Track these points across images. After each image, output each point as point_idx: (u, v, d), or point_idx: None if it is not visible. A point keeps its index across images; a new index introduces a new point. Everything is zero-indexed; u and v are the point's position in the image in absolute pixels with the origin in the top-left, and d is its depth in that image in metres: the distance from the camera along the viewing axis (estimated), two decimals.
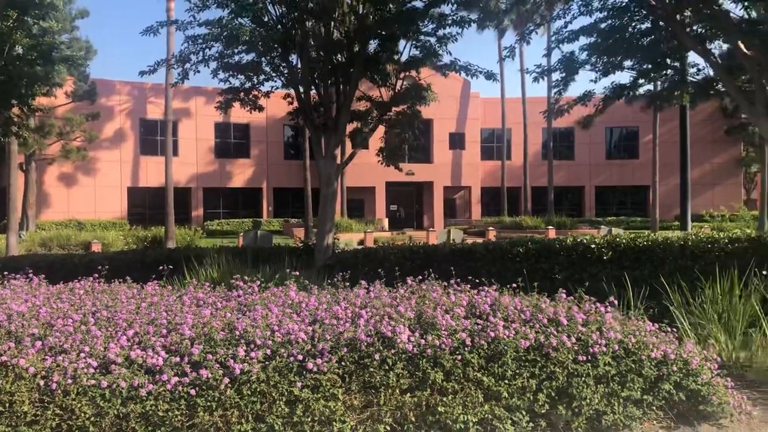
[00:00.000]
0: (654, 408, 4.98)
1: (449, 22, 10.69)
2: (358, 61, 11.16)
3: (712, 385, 5.07)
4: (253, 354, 4.38)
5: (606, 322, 5.09)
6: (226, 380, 4.20)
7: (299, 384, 4.32)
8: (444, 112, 41.90)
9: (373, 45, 11.55)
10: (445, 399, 4.54)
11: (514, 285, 5.91)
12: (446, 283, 5.85)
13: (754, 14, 8.41)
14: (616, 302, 5.61)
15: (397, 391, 4.52)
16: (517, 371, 4.70)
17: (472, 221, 42.17)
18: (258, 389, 4.29)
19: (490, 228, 34.24)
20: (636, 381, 4.90)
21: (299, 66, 11.74)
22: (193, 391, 4.14)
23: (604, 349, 4.83)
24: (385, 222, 41.00)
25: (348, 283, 6.25)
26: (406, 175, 37.92)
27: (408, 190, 44.01)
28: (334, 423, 4.33)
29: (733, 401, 5.13)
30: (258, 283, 6.20)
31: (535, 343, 4.77)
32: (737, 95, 8.29)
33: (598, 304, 5.34)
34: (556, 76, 10.19)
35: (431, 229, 37.04)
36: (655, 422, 4.97)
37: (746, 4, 8.29)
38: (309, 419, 4.31)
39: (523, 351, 4.74)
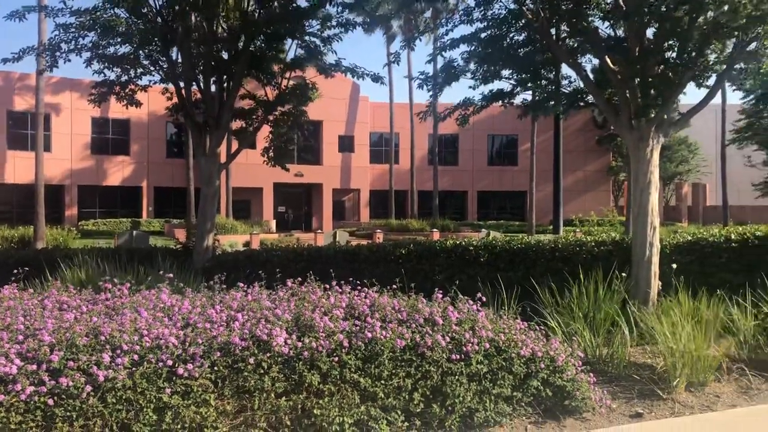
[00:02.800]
0: (523, 404, 5.18)
1: (334, 23, 10.71)
2: (242, 58, 10.92)
3: (576, 381, 5.35)
4: (119, 360, 4.16)
5: (479, 321, 5.25)
6: (89, 388, 3.96)
7: (169, 390, 4.14)
8: (334, 114, 41.98)
9: (258, 43, 11.33)
10: (321, 401, 4.51)
11: (394, 286, 5.98)
12: (328, 285, 5.82)
13: (620, 32, 8.95)
14: (485, 299, 5.79)
15: (273, 395, 4.44)
16: (394, 371, 4.75)
17: (360, 223, 42.45)
18: (124, 397, 4.08)
19: (378, 230, 34.57)
20: (506, 378, 5.08)
21: (180, 61, 11.32)
22: (51, 401, 3.86)
23: (477, 347, 4.97)
24: (273, 224, 40.45)
25: (225, 286, 6.09)
26: (295, 177, 37.63)
27: (297, 191, 43.69)
28: (206, 429, 4.20)
29: (595, 396, 5.43)
30: (128, 285, 5.91)
31: (411, 343, 4.84)
32: (604, 107, 8.80)
33: (471, 303, 5.50)
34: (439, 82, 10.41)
35: (319, 231, 36.90)
36: (524, 418, 5.17)
37: (612, 22, 8.83)
38: (179, 426, 4.15)
39: (399, 351, 4.79)
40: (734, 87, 26.07)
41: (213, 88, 11.50)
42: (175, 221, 38.45)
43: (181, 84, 11.27)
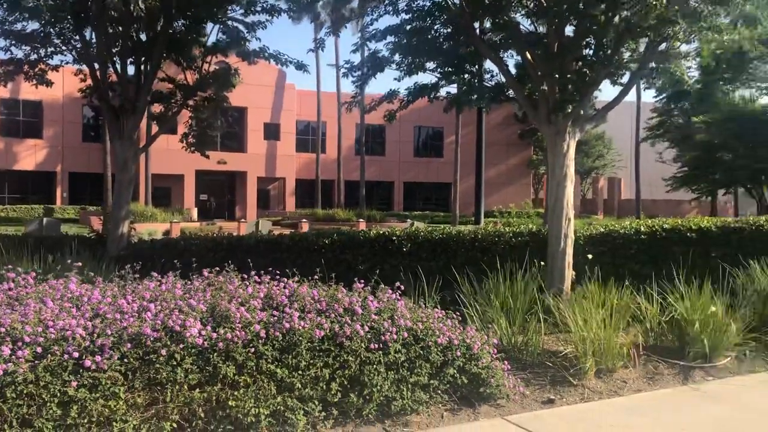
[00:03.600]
0: (440, 392, 5.26)
1: (259, 9, 10.49)
2: (161, 40, 10.54)
3: (491, 369, 5.47)
4: (20, 353, 3.95)
5: (398, 311, 5.28)
6: None
7: (75, 383, 3.97)
8: (259, 101, 41.31)
9: (178, 25, 10.97)
10: (236, 393, 4.43)
11: (316, 276, 5.94)
12: (246, 275, 5.72)
13: (541, 29, 9.15)
14: (403, 288, 5.83)
15: (186, 387, 4.33)
16: (311, 361, 4.72)
17: (286, 213, 42.03)
18: (25, 391, 3.88)
19: (304, 220, 34.32)
20: (424, 366, 5.14)
21: (94, 41, 10.83)
22: None
23: (395, 336, 5.00)
24: (194, 212, 39.52)
25: (139, 275, 5.89)
26: (218, 164, 36.93)
27: (220, 179, 42.82)
28: (115, 423, 4.05)
29: (509, 383, 5.57)
30: (34, 274, 5.63)
31: (329, 333, 4.82)
32: (523, 102, 9.00)
33: (391, 292, 5.53)
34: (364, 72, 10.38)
35: (243, 220, 36.32)
36: (440, 405, 5.25)
37: (533, 18, 9.03)
38: (85, 421, 3.99)
39: (317, 341, 4.76)
40: (646, 86, 27.23)
41: (130, 70, 11.07)
42: (91, 208, 36.98)
43: (96, 65, 10.78)
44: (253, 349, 4.55)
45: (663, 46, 8.28)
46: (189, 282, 5.57)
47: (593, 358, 6.21)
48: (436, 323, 5.35)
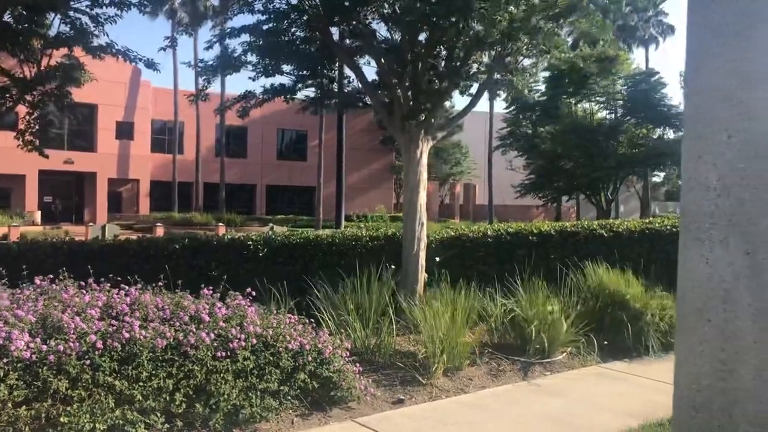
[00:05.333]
0: (290, 397, 5.21)
1: (107, 1, 9.90)
2: None
3: (342, 372, 5.51)
4: None
5: (248, 317, 5.18)
6: None
7: None
8: (111, 98, 39.02)
9: (15, 14, 10.12)
10: (69, 408, 4.15)
11: (163, 283, 5.70)
12: (84, 283, 5.38)
13: (396, 36, 9.35)
14: (254, 294, 5.74)
15: (10, 404, 3.99)
16: (154, 372, 4.51)
17: (139, 216, 40.01)
18: None
19: (159, 224, 32.83)
20: (274, 373, 5.08)
21: None
22: None
23: (244, 343, 4.91)
24: (38, 215, 36.60)
25: None
26: (65, 164, 34.44)
27: (67, 180, 39.96)
28: None
29: (360, 385, 5.64)
30: None
31: (173, 342, 4.64)
32: (379, 108, 9.17)
33: (240, 298, 5.42)
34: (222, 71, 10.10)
35: (91, 224, 34.12)
36: (290, 411, 5.21)
37: (389, 26, 9.22)
38: None
39: (160, 351, 4.56)
40: (491, 97, 28.63)
41: None
42: None
43: None
44: (88, 361, 4.28)
45: (508, 59, 8.76)
46: (19, 291, 5.16)
47: (442, 358, 6.43)
48: (287, 329, 5.31)
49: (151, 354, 4.51)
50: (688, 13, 2.31)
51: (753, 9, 2.11)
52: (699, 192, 2.22)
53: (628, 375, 6.91)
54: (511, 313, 7.55)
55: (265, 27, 8.94)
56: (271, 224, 26.64)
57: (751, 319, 2.12)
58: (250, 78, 9.62)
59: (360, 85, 9.67)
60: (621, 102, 29.14)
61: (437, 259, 8.84)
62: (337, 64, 10.09)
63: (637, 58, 46.93)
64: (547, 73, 28.10)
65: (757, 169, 2.14)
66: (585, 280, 8.57)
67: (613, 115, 30.26)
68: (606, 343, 7.61)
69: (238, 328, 4.98)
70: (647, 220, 11.14)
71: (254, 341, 4.98)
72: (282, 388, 5.12)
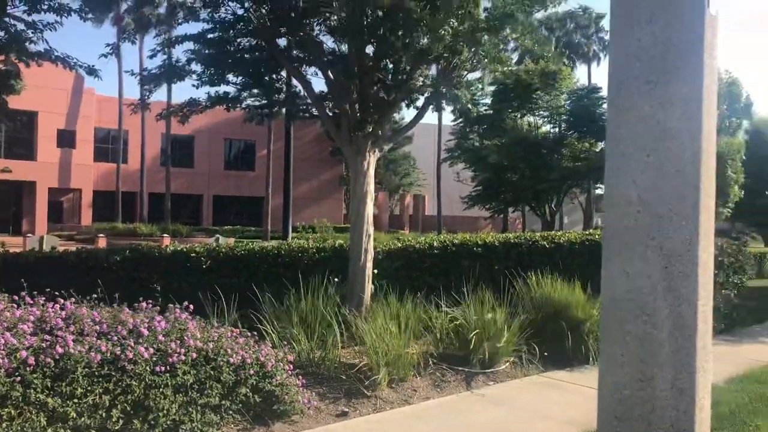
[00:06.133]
0: (232, 412, 5.14)
1: (45, 7, 9.64)
2: None
3: (285, 385, 5.46)
4: None
5: (188, 331, 5.10)
6: None
7: None
8: (52, 105, 37.92)
9: None
10: None
11: (99, 296, 5.57)
12: (17, 296, 5.21)
13: (344, 48, 9.39)
14: (192, 307, 5.65)
15: None
16: (90, 388, 4.39)
17: (81, 227, 38.85)
18: None
19: (101, 235, 31.96)
20: (215, 387, 5.00)
21: None
22: None
23: (184, 357, 4.82)
24: None
25: None
26: (2, 173, 33.23)
27: (4, 189, 38.53)
28: None
29: (303, 398, 5.60)
30: None
31: (110, 357, 4.53)
32: (325, 119, 9.18)
33: (178, 312, 5.33)
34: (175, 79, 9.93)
35: (29, 234, 32.96)
36: (232, 425, 5.14)
37: (336, 38, 9.26)
38: None
39: (96, 366, 4.44)
40: (437, 110, 28.92)
41: None
42: None
43: None
44: (19, 378, 4.14)
45: (453, 73, 8.90)
46: None
47: (386, 369, 6.45)
48: (229, 342, 5.25)
49: (86, 369, 4.39)
50: (610, 36, 2.42)
51: (668, 36, 2.22)
52: (620, 208, 2.32)
53: (569, 384, 7.06)
54: (455, 324, 7.63)
55: (210, 36, 8.87)
56: (217, 235, 26.29)
57: (668, 330, 2.22)
58: (193, 85, 9.53)
59: (307, 96, 9.66)
60: (564, 116, 29.88)
61: (376, 271, 8.87)
62: (284, 75, 10.08)
63: (580, 74, 48.23)
64: (493, 87, 28.62)
65: (674, 186, 2.24)
66: (528, 291, 8.74)
67: (557, 129, 31.00)
68: (546, 354, 7.77)
69: (178, 342, 4.90)
70: (588, 232, 11.44)
71: (194, 355, 4.90)
72: (223, 402, 5.05)
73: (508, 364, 7.50)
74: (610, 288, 2.37)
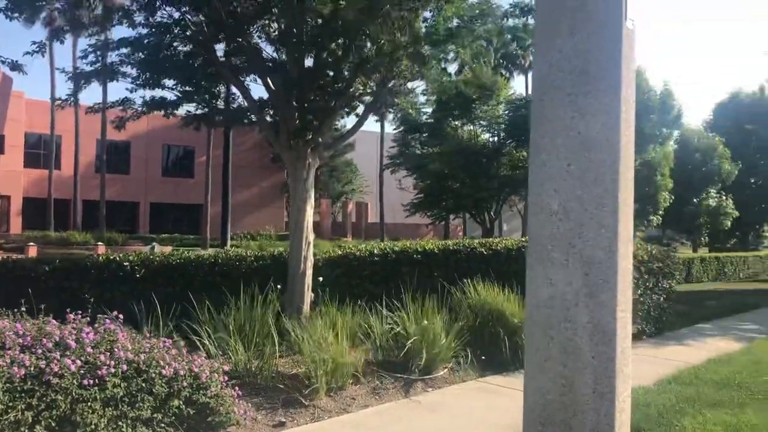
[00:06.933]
0: (164, 425, 5.01)
1: None
2: None
3: (220, 397, 5.36)
4: None
5: (119, 342, 4.95)
6: None
7: None
8: None
9: None
10: None
11: (24, 308, 5.35)
12: None
13: (283, 56, 9.33)
14: (121, 317, 5.50)
15: None
16: (11, 404, 4.21)
17: (10, 235, 37.27)
18: None
19: (31, 243, 30.74)
20: (146, 400, 4.87)
21: None
22: None
23: (113, 370, 4.67)
24: None
25: None
26: None
27: None
28: None
29: (240, 409, 5.51)
30: None
31: (33, 371, 4.35)
32: (264, 126, 9.12)
33: (108, 322, 5.17)
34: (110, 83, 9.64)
35: None
36: None
37: (276, 45, 9.20)
38: None
39: (18, 380, 4.26)
40: (379, 118, 29.11)
41: None
42: None
43: None
44: None
45: (392, 83, 8.96)
46: None
47: (325, 378, 6.40)
48: (161, 353, 5.12)
49: (8, 385, 4.20)
50: (534, 47, 2.48)
51: (587, 47, 2.30)
52: (543, 216, 2.38)
53: (505, 388, 7.17)
54: (395, 331, 7.65)
55: (146, 40, 8.68)
56: (153, 243, 25.69)
57: (588, 336, 2.28)
58: (127, 89, 9.30)
59: (246, 103, 9.56)
60: (503, 126, 30.47)
61: (320, 279, 8.83)
62: (223, 81, 9.93)
63: (518, 84, 49.31)
64: (434, 97, 28.98)
65: (594, 195, 2.32)
66: (466, 297, 8.84)
67: (496, 138, 31.57)
68: (484, 358, 7.88)
69: (108, 354, 4.75)
70: (524, 239, 11.67)
71: (125, 367, 4.75)
72: (155, 415, 4.92)
73: (446, 370, 7.57)
74: (533, 295, 2.43)
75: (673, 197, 29.28)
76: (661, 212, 29.25)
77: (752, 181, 40.69)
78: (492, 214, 30.80)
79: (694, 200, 36.01)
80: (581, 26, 2.31)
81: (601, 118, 2.30)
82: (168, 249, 22.04)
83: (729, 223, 36.82)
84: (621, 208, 2.29)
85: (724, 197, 36.63)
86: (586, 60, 2.31)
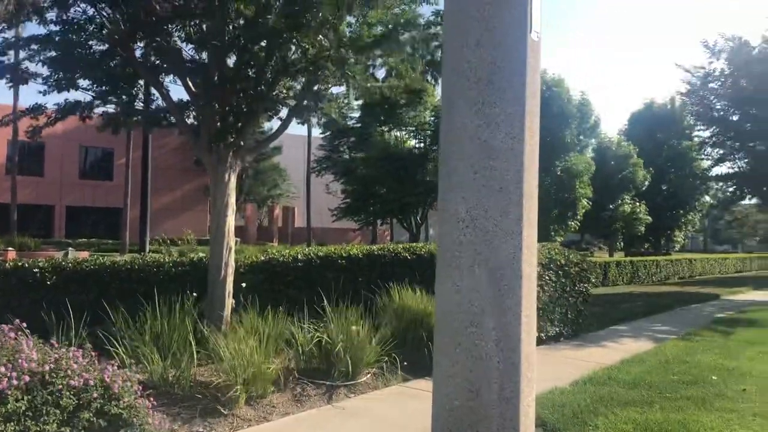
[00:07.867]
0: None
1: None
2: None
3: (134, 407, 5.16)
4: None
5: (23, 353, 4.70)
6: None
7: None
8: None
9: None
10: None
11: None
12: None
13: (204, 57, 9.12)
14: (25, 325, 5.24)
15: None
16: None
17: None
18: None
19: None
20: (52, 413, 4.63)
21: None
22: None
23: (15, 382, 4.43)
24: None
25: None
26: None
27: None
28: None
29: (155, 420, 5.33)
30: None
31: None
32: (184, 128, 8.90)
33: (7, 330, 4.91)
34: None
35: None
36: None
37: (196, 46, 8.99)
38: None
39: None
40: (303, 122, 28.94)
41: None
42: None
43: None
44: None
45: (317, 87, 8.91)
46: None
47: (244, 386, 6.29)
48: (69, 364, 4.89)
49: None
50: (443, 56, 2.52)
51: (493, 58, 2.35)
52: (451, 223, 2.42)
53: (427, 393, 7.18)
54: (318, 337, 7.60)
55: (58, 38, 8.31)
56: (68, 248, 24.66)
57: (494, 342, 2.33)
58: (40, 92, 8.83)
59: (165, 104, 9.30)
60: (429, 132, 30.88)
61: (243, 285, 8.68)
62: (141, 81, 9.63)
63: None
64: (360, 102, 29.06)
65: (499, 203, 2.37)
66: (390, 302, 8.88)
67: (422, 144, 31.96)
68: (406, 363, 7.92)
69: (9, 365, 4.49)
70: None
71: (27, 378, 4.51)
72: (63, 429, 4.69)
73: (370, 375, 7.57)
74: (442, 301, 2.45)
75: (591, 203, 30.38)
76: (579, 217, 30.30)
77: (663, 188, 42.80)
78: (418, 219, 31.14)
79: (611, 206, 37.53)
80: (487, 38, 2.36)
81: (505, 128, 2.35)
82: (85, 254, 21.25)
83: (643, 229, 38.57)
84: (525, 215, 2.35)
85: (638, 203, 38.36)
86: (492, 71, 2.36)
